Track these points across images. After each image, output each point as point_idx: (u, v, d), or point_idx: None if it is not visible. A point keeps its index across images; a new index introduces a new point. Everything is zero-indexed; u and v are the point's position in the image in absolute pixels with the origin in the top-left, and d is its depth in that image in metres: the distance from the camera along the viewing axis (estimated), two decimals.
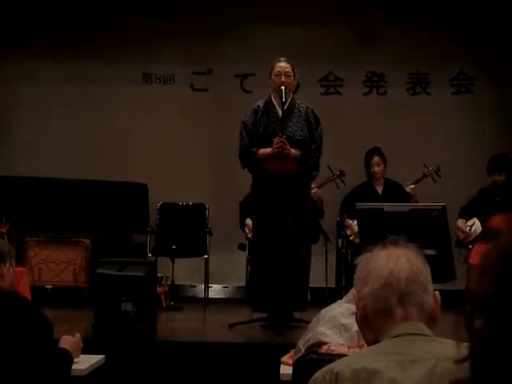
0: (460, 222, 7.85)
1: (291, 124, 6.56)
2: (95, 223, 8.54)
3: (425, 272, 2.04)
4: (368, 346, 2.04)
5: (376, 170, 8.10)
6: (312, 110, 6.69)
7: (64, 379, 3.64)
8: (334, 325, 2.94)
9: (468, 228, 7.82)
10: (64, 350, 3.75)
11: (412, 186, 8.00)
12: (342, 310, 2.96)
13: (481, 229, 7.74)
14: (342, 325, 2.92)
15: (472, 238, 7.78)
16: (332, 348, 2.85)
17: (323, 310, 3.08)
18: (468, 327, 1.22)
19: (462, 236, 7.82)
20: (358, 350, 2.72)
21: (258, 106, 6.69)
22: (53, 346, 3.61)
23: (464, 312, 1.24)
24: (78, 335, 3.95)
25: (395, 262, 2.02)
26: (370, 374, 1.81)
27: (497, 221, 7.51)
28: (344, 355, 2.50)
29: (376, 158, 8.12)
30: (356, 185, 8.28)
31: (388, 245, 2.08)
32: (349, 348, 2.82)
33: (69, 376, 3.68)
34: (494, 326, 1.15)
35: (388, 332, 1.95)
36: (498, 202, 7.78)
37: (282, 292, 6.29)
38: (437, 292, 2.06)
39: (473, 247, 7.66)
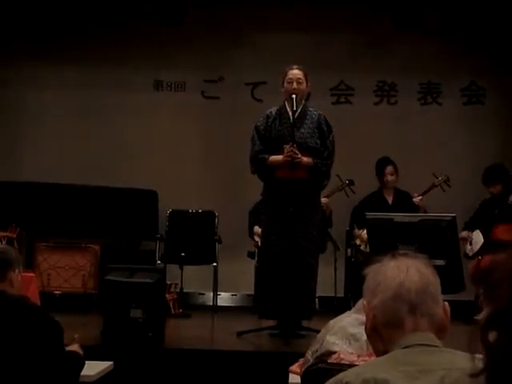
0: (463, 233, 7.85)
1: (303, 131, 6.56)
2: (105, 229, 8.55)
3: (435, 283, 2.03)
4: (377, 356, 2.04)
5: (389, 179, 8.11)
6: (324, 117, 6.69)
7: (75, 382, 3.65)
8: (343, 335, 2.94)
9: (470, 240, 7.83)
10: (75, 353, 3.76)
11: (419, 198, 7.97)
12: (351, 320, 2.96)
13: (482, 241, 7.73)
14: (351, 334, 2.91)
15: (475, 251, 7.77)
16: (341, 357, 2.84)
17: (332, 321, 3.07)
18: (482, 340, 1.21)
19: (468, 247, 7.83)
20: (367, 358, 2.71)
21: (271, 112, 6.70)
22: (63, 349, 3.62)
23: (474, 323, 1.24)
24: (76, 344, 3.95)
25: (405, 272, 2.01)
26: None
27: (497, 232, 7.50)
28: (353, 364, 2.49)
29: (389, 168, 8.14)
30: (366, 194, 8.27)
31: (397, 255, 2.08)
32: (358, 357, 2.81)
33: (78, 378, 3.69)
34: (508, 338, 1.14)
35: (398, 342, 1.95)
36: (496, 214, 7.78)
37: (288, 300, 6.27)
38: (446, 303, 2.05)
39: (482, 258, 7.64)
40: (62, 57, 9.25)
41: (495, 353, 1.17)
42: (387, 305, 2.00)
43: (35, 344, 3.32)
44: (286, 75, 6.59)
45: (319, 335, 3.10)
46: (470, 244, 7.85)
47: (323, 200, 7.72)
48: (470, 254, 7.81)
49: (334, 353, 2.89)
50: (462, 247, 7.66)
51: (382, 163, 8.20)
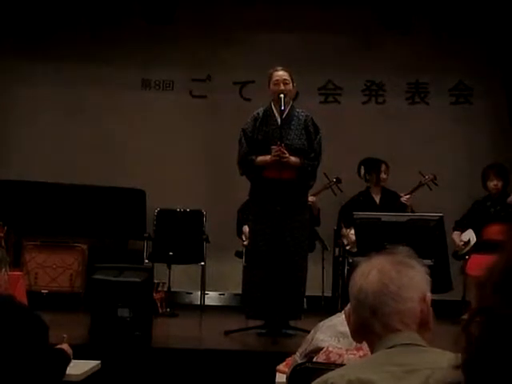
0: (455, 235, 7.87)
1: (290, 132, 6.56)
2: (92, 228, 8.54)
3: (399, 280, 2.01)
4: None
5: (384, 176, 8.15)
6: (311, 118, 6.69)
7: (60, 379, 3.65)
8: (333, 332, 2.95)
9: (462, 243, 7.83)
10: (61, 350, 3.76)
11: (407, 197, 7.98)
12: (341, 320, 2.96)
13: (475, 240, 7.76)
14: (341, 332, 2.92)
15: (467, 249, 7.79)
16: (330, 349, 2.85)
17: (321, 322, 3.08)
18: (465, 330, 1.21)
19: (457, 249, 7.85)
20: (355, 352, 2.74)
21: (258, 114, 6.69)
22: (49, 347, 3.61)
23: (461, 322, 1.24)
24: (65, 344, 3.94)
25: (366, 276, 2.03)
26: None
27: (491, 232, 7.52)
28: (341, 364, 2.50)
29: (384, 166, 8.17)
30: (353, 193, 8.27)
31: (371, 256, 2.08)
32: (347, 351, 2.82)
33: (63, 375, 3.68)
34: (491, 329, 1.15)
35: (381, 343, 1.95)
36: (491, 213, 7.81)
37: (277, 300, 6.28)
38: (428, 294, 2.04)
39: (469, 257, 7.67)
40: (50, 55, 9.22)
41: (475, 344, 1.18)
42: (355, 310, 2.05)
43: (20, 342, 3.31)
44: (271, 77, 6.57)
45: (308, 336, 3.10)
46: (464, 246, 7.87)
47: (310, 198, 7.73)
48: (461, 253, 7.83)
49: (323, 348, 2.90)
50: (450, 247, 7.71)
51: (375, 162, 8.20)
